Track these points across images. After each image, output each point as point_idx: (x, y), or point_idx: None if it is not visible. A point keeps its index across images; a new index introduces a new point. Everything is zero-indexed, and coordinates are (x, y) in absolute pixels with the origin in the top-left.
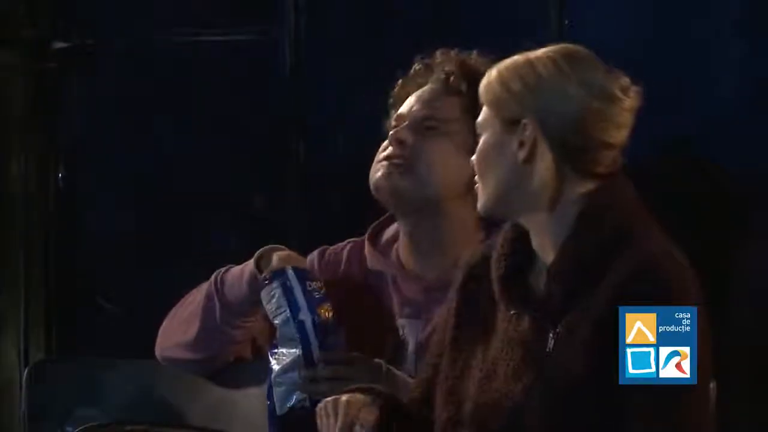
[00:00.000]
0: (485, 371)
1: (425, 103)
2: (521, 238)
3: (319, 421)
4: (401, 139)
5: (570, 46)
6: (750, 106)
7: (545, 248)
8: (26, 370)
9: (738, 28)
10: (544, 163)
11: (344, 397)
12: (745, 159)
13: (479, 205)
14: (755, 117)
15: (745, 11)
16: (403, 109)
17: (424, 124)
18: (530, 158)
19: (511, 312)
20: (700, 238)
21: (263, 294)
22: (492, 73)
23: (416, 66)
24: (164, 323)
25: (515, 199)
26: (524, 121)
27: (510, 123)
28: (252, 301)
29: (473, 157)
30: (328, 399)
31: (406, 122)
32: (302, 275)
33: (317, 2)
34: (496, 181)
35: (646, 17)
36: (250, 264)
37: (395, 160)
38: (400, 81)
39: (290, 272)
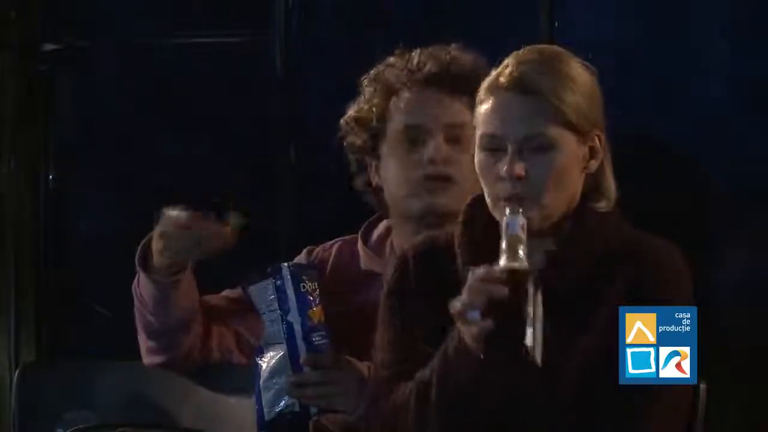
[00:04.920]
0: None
1: (442, 112)
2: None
3: None
4: (444, 157)
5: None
6: (743, 107)
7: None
8: (17, 372)
9: (732, 28)
10: (609, 168)
11: None
12: (740, 159)
13: (540, 219)
14: (749, 117)
15: (739, 11)
16: (416, 120)
17: (449, 135)
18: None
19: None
20: (696, 238)
21: (257, 288)
22: (567, 89)
23: (397, 63)
24: None
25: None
26: (596, 132)
27: (583, 135)
28: (163, 291)
29: (541, 173)
30: None
31: (438, 136)
32: (297, 274)
33: (309, 3)
34: (569, 195)
35: (636, 18)
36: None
37: (440, 181)
38: (375, 74)
39: (285, 270)
